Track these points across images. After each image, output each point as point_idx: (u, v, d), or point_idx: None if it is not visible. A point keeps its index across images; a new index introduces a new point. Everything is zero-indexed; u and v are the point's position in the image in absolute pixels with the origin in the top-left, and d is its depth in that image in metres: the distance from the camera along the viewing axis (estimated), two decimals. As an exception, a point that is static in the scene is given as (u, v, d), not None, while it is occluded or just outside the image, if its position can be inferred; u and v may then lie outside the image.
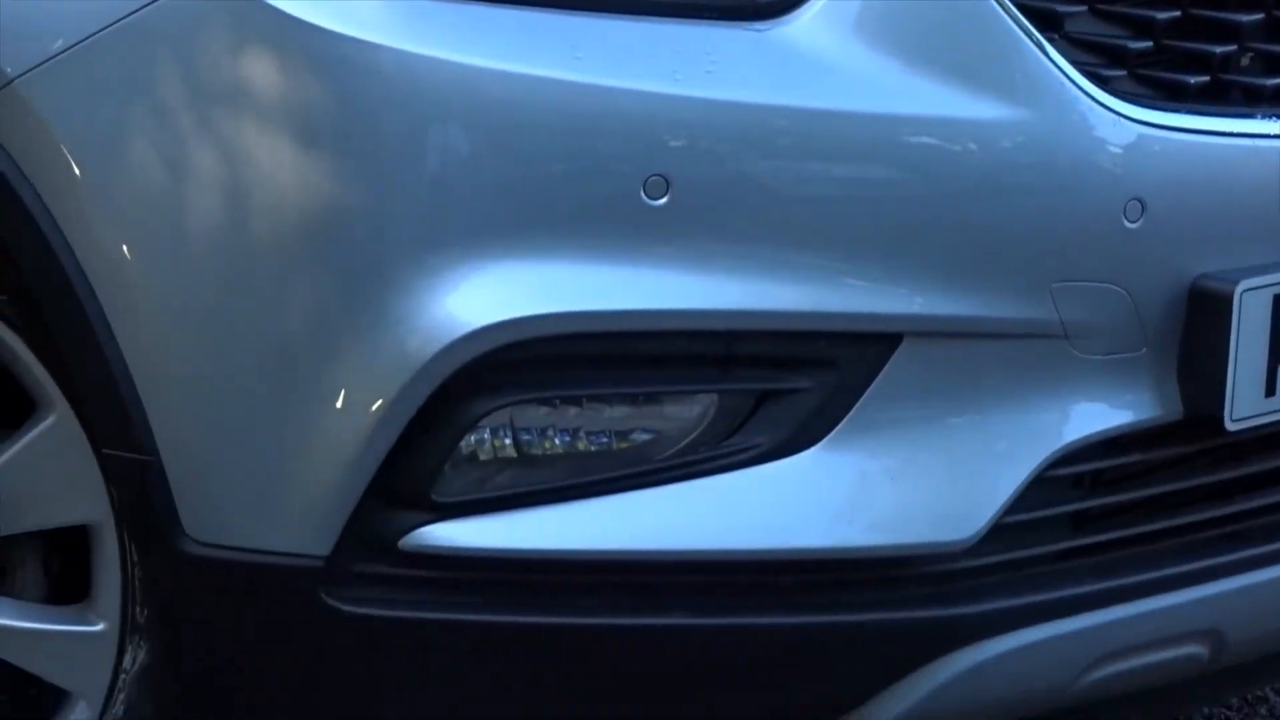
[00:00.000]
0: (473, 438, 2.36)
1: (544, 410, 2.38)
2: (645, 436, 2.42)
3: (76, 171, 2.41)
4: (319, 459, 2.38)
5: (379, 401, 2.32)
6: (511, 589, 2.43)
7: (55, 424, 2.51)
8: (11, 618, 2.61)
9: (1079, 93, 2.56)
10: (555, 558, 2.40)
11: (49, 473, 2.56)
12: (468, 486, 2.39)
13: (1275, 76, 2.76)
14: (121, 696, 2.55)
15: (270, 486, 2.43)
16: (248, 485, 2.43)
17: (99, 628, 2.56)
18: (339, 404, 2.35)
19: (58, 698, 2.64)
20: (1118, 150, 2.60)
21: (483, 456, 2.38)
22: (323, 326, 2.39)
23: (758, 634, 2.46)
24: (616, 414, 2.41)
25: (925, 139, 2.48)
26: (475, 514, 2.39)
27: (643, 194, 2.33)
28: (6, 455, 2.52)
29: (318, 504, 2.38)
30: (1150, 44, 2.65)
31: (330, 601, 2.37)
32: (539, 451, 2.39)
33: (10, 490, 2.57)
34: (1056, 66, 2.55)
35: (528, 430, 2.38)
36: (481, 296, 2.34)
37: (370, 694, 2.48)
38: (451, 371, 2.31)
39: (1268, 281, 2.62)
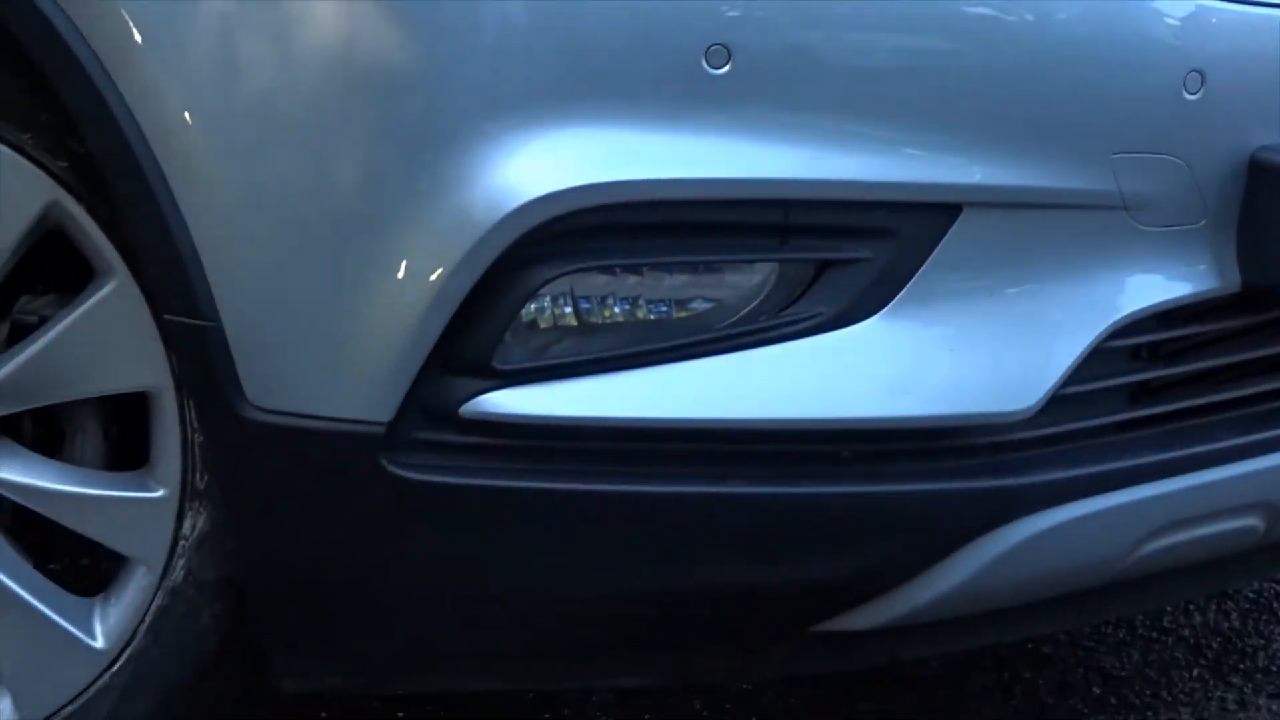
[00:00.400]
0: (533, 305, 2.36)
1: (604, 278, 2.38)
2: (705, 305, 2.42)
3: (136, 35, 2.40)
4: (381, 326, 2.38)
5: (441, 268, 2.32)
6: (570, 456, 2.43)
7: (115, 290, 2.51)
8: (72, 484, 2.63)
9: None
10: (613, 426, 2.39)
11: (108, 339, 2.56)
12: (528, 354, 2.40)
13: None
14: (181, 563, 2.56)
15: (332, 353, 2.43)
16: (309, 351, 2.43)
17: (159, 494, 2.57)
18: (401, 270, 2.35)
19: (118, 565, 2.65)
20: (1176, 22, 2.58)
21: (543, 324, 2.38)
22: (384, 192, 2.38)
23: (815, 503, 2.46)
24: (676, 282, 2.41)
25: (983, 9, 2.47)
26: (535, 382, 2.40)
27: (704, 63, 2.32)
28: (66, 322, 2.52)
29: (380, 371, 2.39)
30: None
31: (391, 468, 2.37)
32: (598, 320, 2.39)
33: (70, 356, 2.57)
34: None
35: (587, 298, 2.38)
36: (543, 164, 2.33)
37: (428, 559, 2.50)
38: (513, 239, 2.30)
39: None
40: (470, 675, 2.83)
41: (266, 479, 2.49)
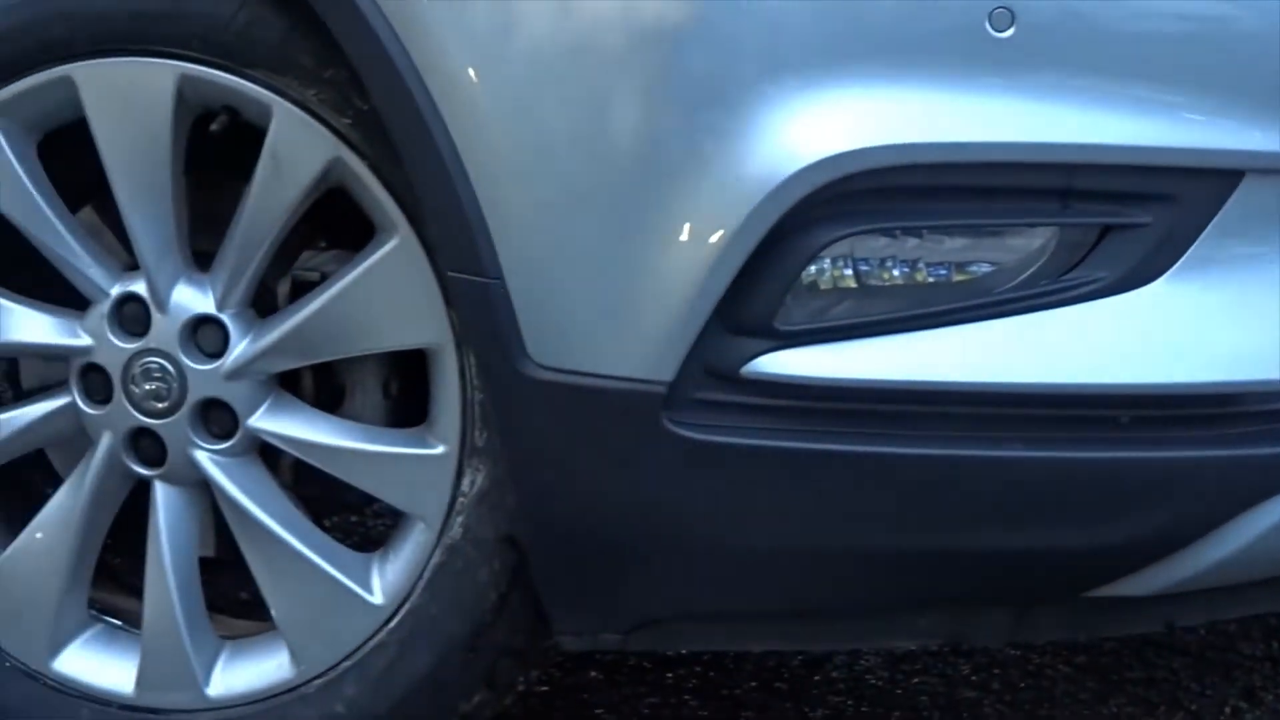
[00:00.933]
0: (814, 268, 2.37)
1: (884, 241, 2.38)
2: (984, 269, 2.42)
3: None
4: (664, 286, 2.41)
5: (724, 229, 2.34)
6: (849, 418, 2.44)
7: (397, 248, 2.54)
8: (353, 440, 2.67)
9: None
10: (892, 388, 2.39)
11: (390, 296, 2.60)
12: (808, 316, 2.40)
13: None
14: (459, 519, 2.59)
15: (615, 312, 2.45)
16: (593, 310, 2.45)
17: (438, 450, 2.60)
18: (684, 231, 2.37)
19: (395, 521, 2.71)
20: None
21: (823, 286, 2.39)
22: (667, 153, 2.40)
23: (1093, 469, 2.46)
24: (956, 245, 2.41)
25: None
26: (815, 343, 2.41)
27: (988, 25, 2.33)
28: (348, 278, 2.56)
29: (662, 331, 2.41)
30: None
31: (672, 427, 2.40)
32: (878, 282, 2.39)
33: (351, 313, 2.62)
34: None
35: (867, 261, 2.39)
36: (825, 126, 2.34)
37: (708, 517, 2.51)
38: (796, 201, 2.31)
39: None
40: (748, 635, 2.86)
41: (548, 437, 2.50)
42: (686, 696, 3.31)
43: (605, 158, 2.45)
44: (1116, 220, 2.43)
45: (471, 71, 2.43)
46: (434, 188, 2.46)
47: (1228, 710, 3.27)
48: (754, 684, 3.31)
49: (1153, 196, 2.44)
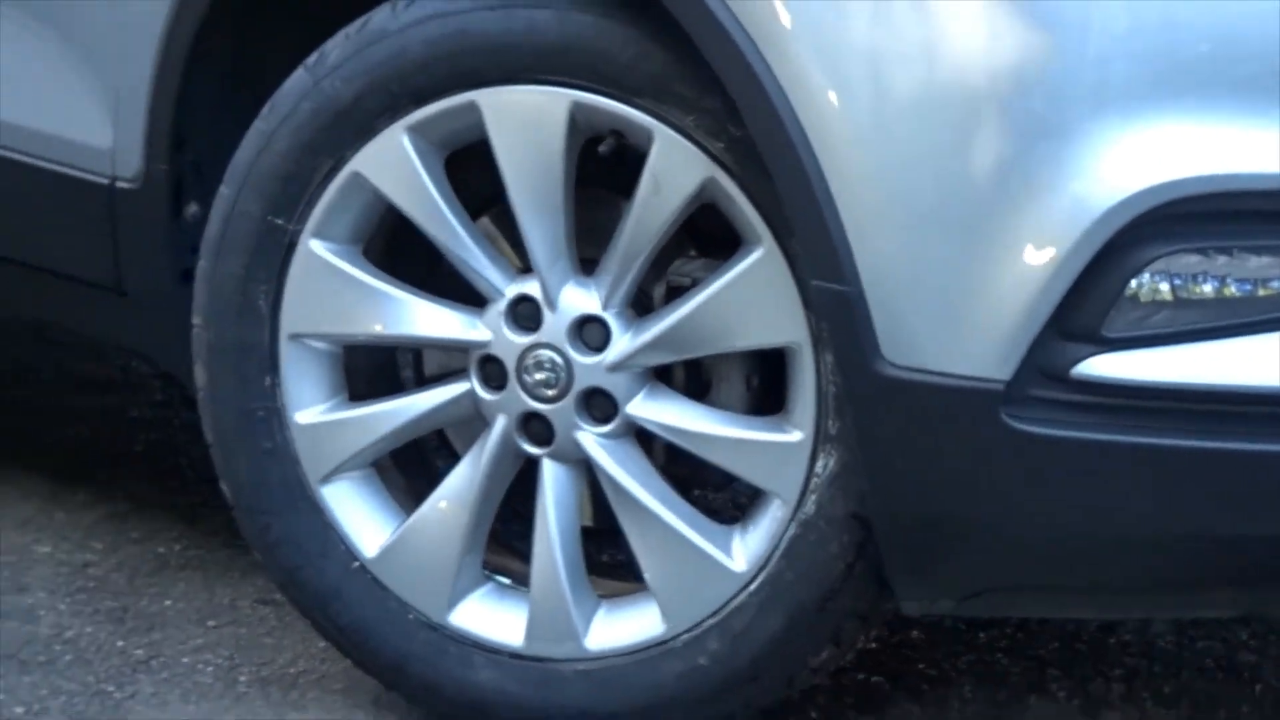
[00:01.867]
0: (1135, 282, 2.52)
1: (1197, 258, 2.52)
2: None
3: (788, 26, 2.61)
4: (1005, 296, 2.56)
5: (1059, 247, 2.50)
6: (1163, 415, 2.58)
7: (762, 258, 2.69)
8: (719, 426, 2.82)
9: None
10: (1202, 390, 2.54)
11: (754, 300, 2.75)
12: (1131, 324, 2.55)
13: None
14: (813, 498, 2.74)
15: (960, 318, 2.59)
16: (940, 316, 2.60)
17: (795, 437, 2.75)
18: (1024, 248, 2.53)
19: (754, 498, 2.87)
20: None
21: (1144, 299, 2.53)
22: (1009, 178, 2.55)
23: None
24: (1261, 263, 2.55)
25: None
26: (1137, 348, 2.56)
27: None
28: (718, 284, 2.71)
29: (1001, 335, 2.56)
30: None
31: (1009, 422, 2.55)
32: (1191, 295, 2.54)
33: (720, 315, 2.76)
34: None
35: (1181, 276, 2.53)
36: (1146, 158, 2.50)
37: (1038, 502, 2.66)
38: (1122, 224, 2.47)
39: None
40: (1063, 604, 3.03)
41: (896, 427, 2.64)
42: (998, 655, 3.40)
43: (956, 181, 2.60)
44: None
45: (834, 97, 2.60)
46: (800, 205, 2.61)
47: None
48: (1056, 644, 3.40)
49: None
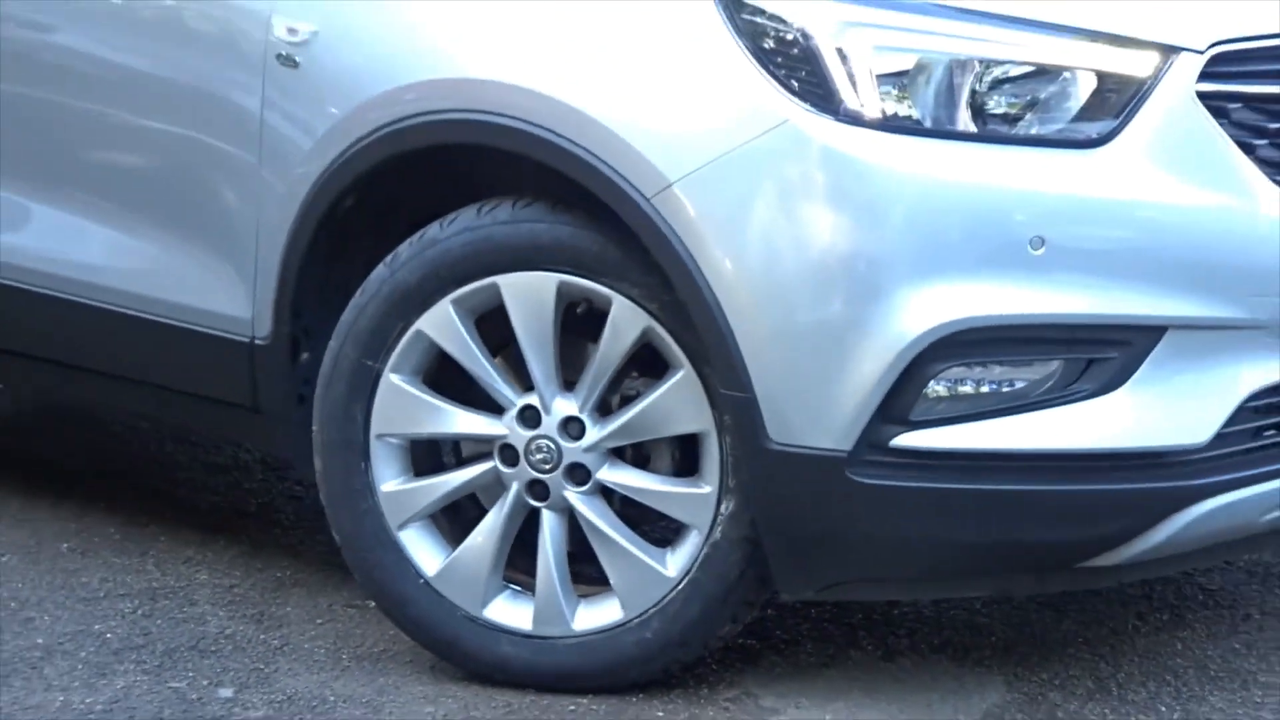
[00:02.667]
0: (931, 384, 2.63)
1: (961, 369, 2.63)
2: (1022, 384, 2.67)
3: (708, 234, 2.65)
4: (847, 397, 2.63)
5: (880, 366, 2.59)
6: (947, 469, 2.69)
7: (683, 377, 2.75)
8: (656, 484, 2.88)
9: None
10: (973, 452, 2.65)
11: (677, 403, 2.79)
12: (925, 412, 2.65)
13: None
14: (719, 529, 2.79)
15: (819, 411, 2.65)
16: (806, 410, 2.66)
17: (705, 490, 2.79)
18: (860, 367, 2.61)
19: (679, 530, 2.89)
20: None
21: (931, 396, 2.63)
22: (849, 321, 2.62)
23: (1078, 496, 2.70)
24: (1002, 370, 2.65)
25: (1151, 215, 2.70)
26: (930, 427, 2.66)
27: (1029, 248, 2.59)
28: (655, 395, 2.78)
29: (846, 421, 2.64)
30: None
31: (851, 476, 2.65)
32: (969, 392, 2.65)
33: (655, 414, 2.80)
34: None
35: (962, 380, 2.64)
36: (934, 307, 2.59)
37: (873, 526, 2.75)
38: (919, 351, 2.57)
39: None
40: (885, 591, 3.09)
41: (776, 481, 2.71)
42: (825, 623, 3.32)
43: (815, 323, 2.66)
44: (1097, 355, 2.67)
45: (734, 273, 2.65)
46: (713, 341, 2.66)
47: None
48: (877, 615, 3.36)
49: (1116, 342, 2.67)
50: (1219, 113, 2.64)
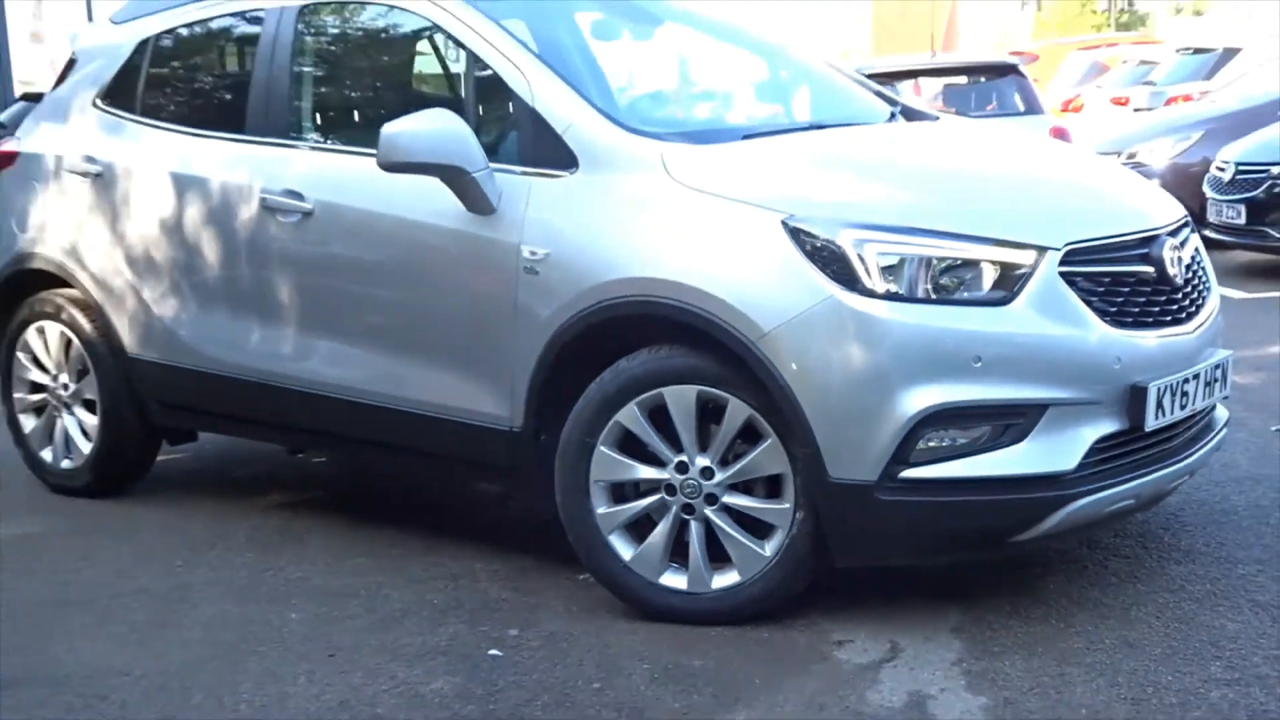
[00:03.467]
0: (920, 441, 2.80)
1: (938, 431, 2.80)
2: (967, 440, 2.82)
3: (790, 361, 2.79)
4: (875, 448, 2.79)
5: (892, 431, 2.78)
6: (935, 489, 2.84)
7: (771, 443, 2.89)
8: (757, 503, 2.95)
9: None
10: (947, 479, 2.82)
11: (766, 458, 2.91)
12: (918, 456, 2.81)
13: None
14: (794, 528, 2.89)
15: (858, 458, 2.80)
16: (850, 457, 2.80)
17: (785, 506, 2.91)
18: (881, 431, 2.78)
19: (770, 528, 2.94)
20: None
21: (921, 447, 2.80)
22: (874, 407, 2.79)
23: (1005, 501, 2.85)
24: (956, 433, 2.82)
25: (1036, 342, 2.84)
26: (922, 465, 2.82)
27: (972, 362, 2.78)
28: (753, 454, 2.90)
29: (874, 463, 2.79)
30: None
31: (877, 495, 2.80)
32: (937, 445, 2.81)
33: (754, 465, 2.92)
34: None
35: (935, 438, 2.80)
36: (921, 398, 2.77)
37: (891, 524, 2.86)
38: (914, 422, 2.76)
39: None
40: (903, 560, 3.09)
41: (834, 500, 2.83)
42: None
43: (856, 408, 2.79)
44: (1011, 422, 2.80)
45: (805, 378, 2.80)
46: (794, 420, 2.81)
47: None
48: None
49: (1020, 414, 2.84)
50: (1070, 281, 2.84)
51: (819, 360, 2.73)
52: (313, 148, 3.58)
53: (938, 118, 3.93)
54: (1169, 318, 2.93)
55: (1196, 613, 2.93)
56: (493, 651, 2.95)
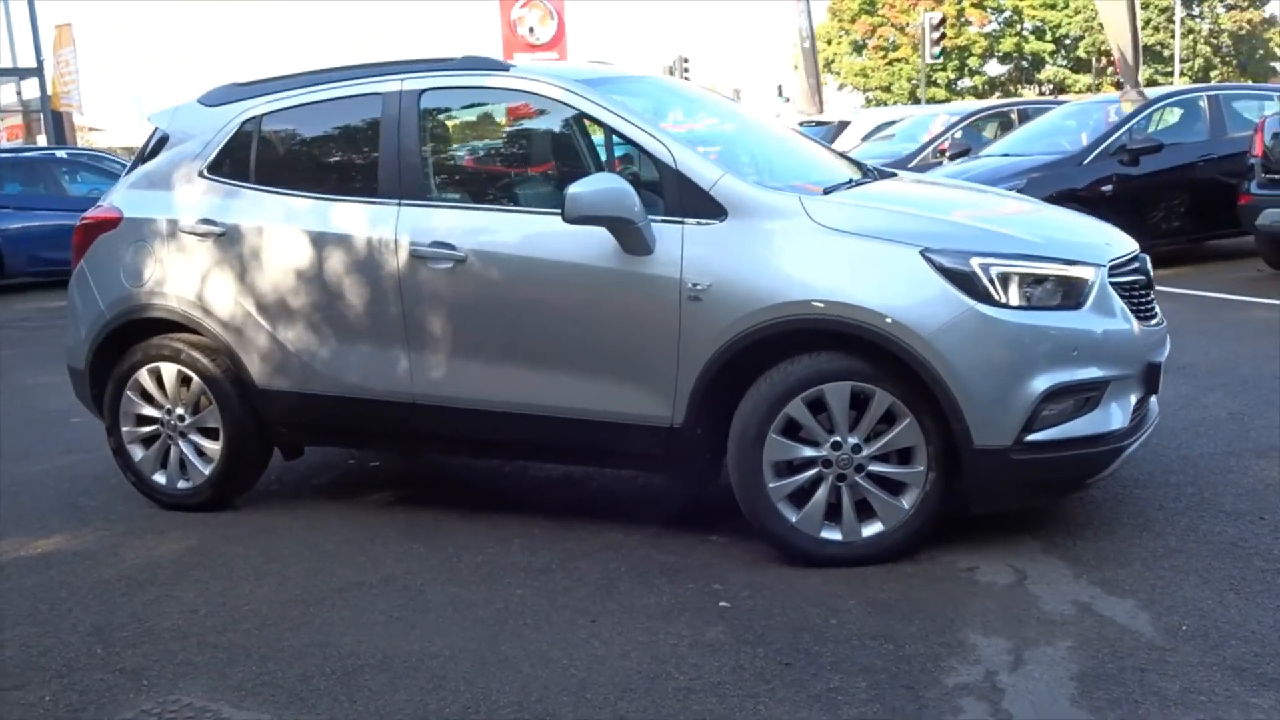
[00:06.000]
0: (1040, 413, 3.34)
1: (1050, 404, 3.31)
2: (1067, 409, 3.35)
3: (946, 358, 3.30)
4: (1010, 420, 3.35)
5: (1024, 406, 3.30)
6: (1051, 448, 3.33)
7: (909, 423, 3.40)
8: (896, 469, 3.47)
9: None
10: (1056, 439, 3.34)
11: (905, 435, 3.41)
12: (1038, 424, 3.35)
13: None
14: (926, 486, 3.42)
15: (997, 429, 3.31)
16: (991, 428, 3.32)
17: (920, 469, 3.43)
18: (1014, 408, 3.31)
19: (907, 487, 3.42)
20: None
21: (1040, 417, 3.35)
22: (1008, 389, 3.24)
23: (1091, 454, 3.40)
24: (1060, 406, 3.33)
25: (1100, 334, 3.38)
26: (1041, 430, 3.37)
27: (1071, 352, 3.32)
28: (893, 432, 3.40)
29: (1009, 432, 3.34)
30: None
31: (1010, 456, 3.35)
32: (1050, 414, 3.34)
33: (894, 440, 3.39)
34: None
35: (1048, 410, 3.33)
36: (1041, 380, 3.28)
37: (1022, 475, 3.35)
38: (1039, 399, 3.30)
39: None
40: (1026, 503, 3.61)
41: (977, 462, 3.35)
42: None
43: (993, 392, 3.27)
44: (1089, 394, 3.41)
45: (954, 366, 3.28)
46: (948, 404, 3.32)
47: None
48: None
49: (1095, 388, 3.39)
50: (1114, 286, 3.51)
51: (967, 356, 3.23)
52: (454, 207, 3.96)
53: (896, 174, 4.51)
54: (1151, 313, 3.61)
55: (1198, 522, 3.62)
56: (722, 603, 3.22)
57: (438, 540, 3.91)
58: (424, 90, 3.97)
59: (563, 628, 3.14)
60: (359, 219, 3.96)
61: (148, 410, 4.52)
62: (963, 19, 48.64)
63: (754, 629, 3.07)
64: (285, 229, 4.07)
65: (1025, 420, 3.25)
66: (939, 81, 49.43)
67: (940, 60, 37.36)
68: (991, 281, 3.28)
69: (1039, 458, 3.30)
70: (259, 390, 4.27)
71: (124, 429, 4.58)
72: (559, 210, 3.51)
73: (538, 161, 4.22)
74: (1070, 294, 3.38)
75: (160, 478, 4.55)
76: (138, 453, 4.57)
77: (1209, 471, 4.20)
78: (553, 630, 3.12)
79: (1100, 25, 50.86)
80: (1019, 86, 54.10)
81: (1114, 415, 3.43)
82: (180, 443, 4.50)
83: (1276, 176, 8.32)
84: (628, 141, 3.74)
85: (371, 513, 4.25)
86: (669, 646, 2.97)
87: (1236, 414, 4.90)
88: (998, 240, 3.41)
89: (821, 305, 3.33)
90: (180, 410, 4.48)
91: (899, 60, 51.59)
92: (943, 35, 23.37)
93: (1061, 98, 14.14)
